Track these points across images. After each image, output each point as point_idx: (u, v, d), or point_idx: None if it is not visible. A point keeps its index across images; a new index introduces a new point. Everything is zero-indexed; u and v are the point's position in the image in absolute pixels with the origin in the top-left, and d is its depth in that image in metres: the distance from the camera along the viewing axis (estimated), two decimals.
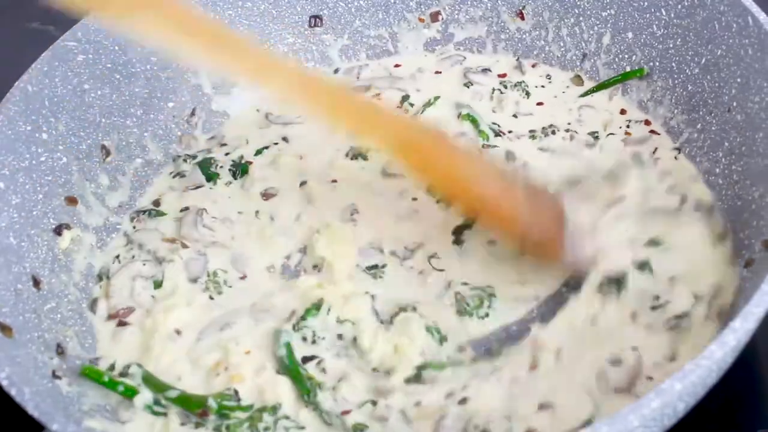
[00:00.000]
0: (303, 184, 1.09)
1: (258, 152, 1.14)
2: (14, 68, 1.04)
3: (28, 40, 1.41)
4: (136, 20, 0.88)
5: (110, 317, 0.98)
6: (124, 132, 1.12)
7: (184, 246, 1.03)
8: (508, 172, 1.03)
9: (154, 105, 1.16)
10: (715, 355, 0.68)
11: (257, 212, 1.07)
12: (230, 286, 1.00)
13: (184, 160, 1.15)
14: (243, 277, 1.01)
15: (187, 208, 1.08)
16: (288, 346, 0.91)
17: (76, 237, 1.02)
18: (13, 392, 0.75)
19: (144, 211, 1.09)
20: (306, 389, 0.88)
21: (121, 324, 0.97)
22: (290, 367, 0.90)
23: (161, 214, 1.09)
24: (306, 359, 0.91)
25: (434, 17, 1.24)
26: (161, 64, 1.16)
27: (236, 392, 0.88)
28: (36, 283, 0.93)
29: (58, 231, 1.00)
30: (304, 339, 0.92)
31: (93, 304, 0.99)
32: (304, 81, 0.96)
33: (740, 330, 0.70)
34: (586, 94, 1.14)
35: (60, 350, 0.90)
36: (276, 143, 1.15)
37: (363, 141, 1.09)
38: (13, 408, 0.75)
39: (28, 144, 1.00)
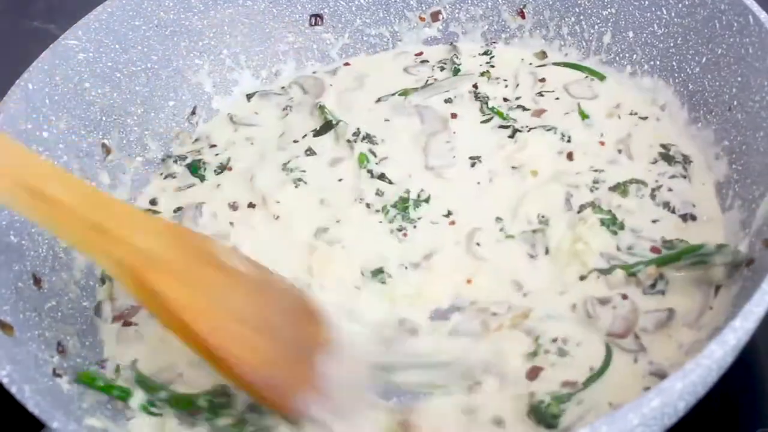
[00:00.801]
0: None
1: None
2: (15, 67, 1.04)
3: (28, 39, 1.41)
4: None
5: (115, 319, 0.98)
6: (124, 131, 1.12)
7: None
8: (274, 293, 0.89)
9: (155, 104, 1.16)
10: (715, 354, 0.68)
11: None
12: None
13: (174, 162, 1.15)
14: None
15: (180, 208, 1.09)
16: None
17: None
18: (13, 390, 0.75)
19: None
20: None
21: (127, 324, 0.98)
22: None
23: (156, 213, 1.09)
24: None
25: (435, 16, 1.24)
26: (162, 63, 1.16)
27: (227, 389, 0.88)
28: (37, 281, 0.93)
29: None
30: None
31: (98, 308, 0.99)
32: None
33: (740, 329, 0.70)
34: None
35: (60, 348, 0.90)
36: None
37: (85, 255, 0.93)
38: (14, 406, 0.75)
39: (29, 142, 1.00)
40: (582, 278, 0.92)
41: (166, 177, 1.14)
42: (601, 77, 1.13)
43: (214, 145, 1.17)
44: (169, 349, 0.92)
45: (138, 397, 0.89)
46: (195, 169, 1.13)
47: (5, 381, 0.76)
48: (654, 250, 0.93)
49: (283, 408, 0.83)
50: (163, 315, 0.82)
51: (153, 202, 1.11)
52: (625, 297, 0.90)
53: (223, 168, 1.13)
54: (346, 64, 1.25)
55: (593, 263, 0.93)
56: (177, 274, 0.81)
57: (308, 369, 0.84)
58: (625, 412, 0.65)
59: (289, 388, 0.83)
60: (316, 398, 0.83)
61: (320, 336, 0.87)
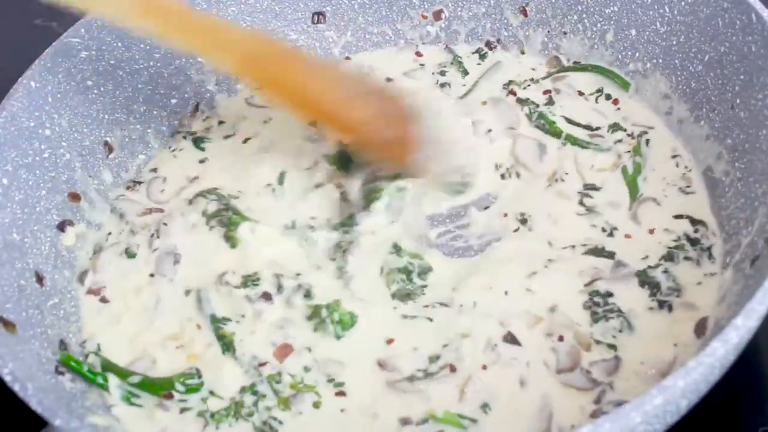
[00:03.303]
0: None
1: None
2: (17, 64, 1.04)
3: (31, 37, 1.41)
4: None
5: (90, 292, 0.99)
6: (127, 128, 1.12)
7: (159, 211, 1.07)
8: (361, 80, 1.08)
9: (157, 101, 1.16)
10: (718, 352, 0.68)
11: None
12: None
13: (184, 137, 1.16)
14: None
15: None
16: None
17: (81, 233, 1.02)
18: (16, 388, 0.76)
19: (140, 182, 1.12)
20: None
21: (104, 301, 0.99)
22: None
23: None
24: None
25: (437, 14, 1.24)
26: (164, 61, 1.16)
27: (198, 371, 0.90)
28: (39, 279, 0.93)
29: (61, 227, 1.00)
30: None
31: (83, 276, 1.00)
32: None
33: (743, 327, 0.70)
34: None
35: (63, 346, 0.90)
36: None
37: (210, 59, 1.10)
38: (17, 403, 0.75)
39: (32, 140, 1.00)
40: None
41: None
42: (626, 85, 1.12)
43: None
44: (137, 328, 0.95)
45: (113, 382, 0.89)
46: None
47: (8, 378, 0.76)
48: None
49: (400, 158, 1.02)
50: (294, 99, 1.02)
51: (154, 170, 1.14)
52: None
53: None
54: (347, 58, 1.25)
55: None
56: (290, 64, 1.02)
57: (410, 130, 1.03)
58: (627, 411, 0.65)
59: (404, 143, 1.03)
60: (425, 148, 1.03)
61: (410, 112, 1.04)
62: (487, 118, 1.11)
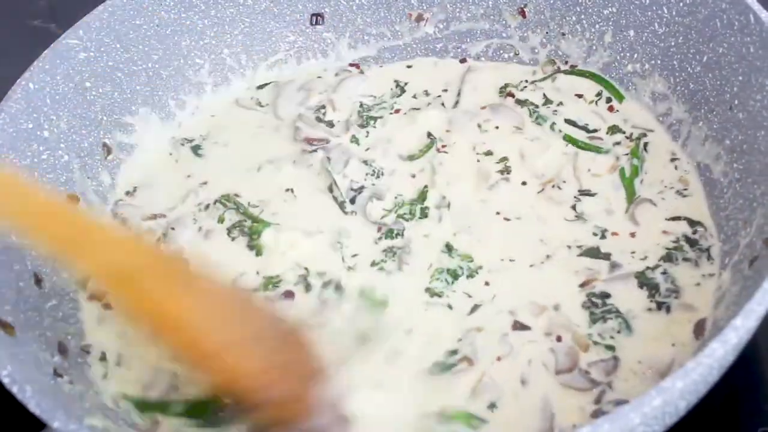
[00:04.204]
0: None
1: None
2: (16, 66, 1.04)
3: (29, 38, 1.41)
4: None
5: (91, 297, 0.98)
6: (125, 130, 1.12)
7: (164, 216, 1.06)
8: (264, 315, 0.88)
9: (156, 103, 1.16)
10: (717, 353, 0.68)
11: None
12: None
13: (182, 144, 1.15)
14: None
15: None
16: None
17: None
18: (14, 390, 0.75)
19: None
20: None
21: (107, 307, 0.97)
22: None
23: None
24: None
25: (436, 15, 1.24)
26: (163, 62, 1.16)
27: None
28: (38, 281, 0.93)
29: None
30: None
31: (85, 280, 0.98)
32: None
33: (742, 328, 0.70)
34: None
35: (62, 348, 0.90)
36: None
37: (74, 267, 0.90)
38: (15, 406, 0.75)
39: (30, 142, 1.00)
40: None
41: None
42: (620, 97, 1.11)
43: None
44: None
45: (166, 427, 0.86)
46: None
47: (6, 381, 0.76)
48: None
49: (285, 421, 0.81)
50: (158, 327, 0.80)
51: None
52: None
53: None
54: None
55: None
56: (168, 285, 0.80)
57: (307, 388, 0.82)
58: (626, 411, 0.65)
59: (293, 403, 0.80)
60: (315, 414, 0.81)
61: (310, 361, 0.84)
62: (492, 118, 1.11)
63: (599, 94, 1.12)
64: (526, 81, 1.16)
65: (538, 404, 0.84)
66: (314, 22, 1.24)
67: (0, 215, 0.78)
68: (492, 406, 0.84)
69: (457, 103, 1.15)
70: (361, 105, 1.16)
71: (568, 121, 1.09)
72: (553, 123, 1.09)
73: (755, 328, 0.73)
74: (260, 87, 1.22)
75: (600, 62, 1.15)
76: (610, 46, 1.13)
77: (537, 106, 1.12)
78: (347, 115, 1.16)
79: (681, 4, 1.04)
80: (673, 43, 1.06)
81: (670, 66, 1.07)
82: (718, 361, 0.69)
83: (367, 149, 1.11)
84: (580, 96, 1.13)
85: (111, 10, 1.11)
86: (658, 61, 1.09)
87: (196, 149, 1.15)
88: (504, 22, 1.21)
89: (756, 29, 0.93)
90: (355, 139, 1.12)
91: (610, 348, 0.87)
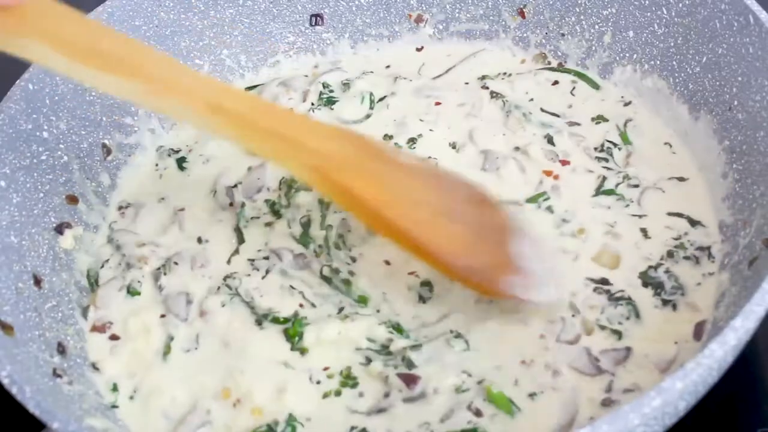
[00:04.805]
0: None
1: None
2: (15, 66, 1.03)
3: None
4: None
5: (94, 329, 0.96)
6: (125, 130, 1.12)
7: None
8: (448, 186, 0.91)
9: None
10: (716, 354, 0.68)
11: None
12: None
13: (168, 155, 1.14)
14: None
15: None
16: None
17: (79, 236, 1.02)
18: (14, 391, 0.75)
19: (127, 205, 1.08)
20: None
21: (114, 338, 0.95)
22: None
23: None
24: None
25: (435, 16, 1.24)
26: None
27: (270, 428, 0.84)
28: (37, 281, 0.93)
29: (59, 230, 1.00)
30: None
31: (85, 311, 0.97)
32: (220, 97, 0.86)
33: (741, 329, 0.70)
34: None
35: (61, 349, 0.90)
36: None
37: (279, 166, 0.96)
38: (14, 406, 0.75)
39: (29, 142, 1.00)
40: None
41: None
42: (595, 86, 1.13)
43: None
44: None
45: None
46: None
47: (6, 382, 0.76)
48: None
49: (490, 291, 0.87)
50: (364, 216, 0.87)
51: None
52: None
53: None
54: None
55: None
56: (363, 172, 0.87)
57: (504, 251, 0.86)
58: (625, 412, 0.65)
59: (493, 271, 0.86)
60: (518, 277, 0.85)
61: (504, 220, 0.89)
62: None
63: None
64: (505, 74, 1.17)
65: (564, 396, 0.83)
66: (314, 23, 1.24)
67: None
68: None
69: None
70: (324, 85, 1.18)
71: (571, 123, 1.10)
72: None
73: (755, 329, 0.73)
74: (249, 89, 1.21)
75: (599, 63, 1.15)
76: (609, 46, 1.14)
77: (532, 99, 1.13)
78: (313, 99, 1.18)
79: (680, 5, 1.04)
80: (672, 44, 1.06)
81: (670, 66, 1.07)
82: (717, 362, 0.69)
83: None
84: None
85: (110, 10, 1.11)
86: (658, 62, 1.09)
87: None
88: (503, 22, 1.21)
89: (755, 30, 0.93)
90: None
91: (616, 333, 0.87)
